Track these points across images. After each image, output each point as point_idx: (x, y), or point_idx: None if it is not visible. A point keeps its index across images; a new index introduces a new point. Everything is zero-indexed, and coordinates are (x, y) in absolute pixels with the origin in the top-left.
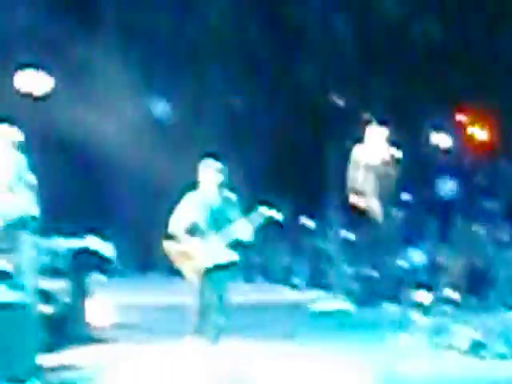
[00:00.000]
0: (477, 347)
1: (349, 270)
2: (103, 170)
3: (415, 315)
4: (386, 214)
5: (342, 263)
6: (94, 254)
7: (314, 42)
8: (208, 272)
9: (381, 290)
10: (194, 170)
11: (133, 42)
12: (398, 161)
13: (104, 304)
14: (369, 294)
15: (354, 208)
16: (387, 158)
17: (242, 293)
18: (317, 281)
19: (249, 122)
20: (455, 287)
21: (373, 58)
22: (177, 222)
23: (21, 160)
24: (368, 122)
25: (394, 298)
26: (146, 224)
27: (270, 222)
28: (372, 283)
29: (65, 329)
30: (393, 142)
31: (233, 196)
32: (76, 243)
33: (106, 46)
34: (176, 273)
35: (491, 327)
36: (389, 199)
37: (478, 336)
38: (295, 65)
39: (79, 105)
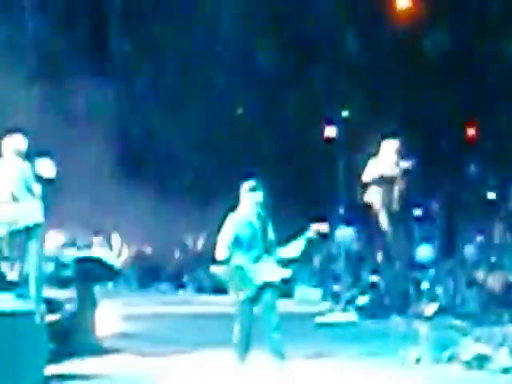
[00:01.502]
0: (482, 360)
1: (356, 282)
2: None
3: (423, 328)
4: (395, 226)
5: (349, 275)
6: (101, 263)
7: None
8: (260, 290)
9: (388, 302)
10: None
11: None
12: (407, 172)
13: (111, 313)
14: (376, 307)
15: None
16: (397, 170)
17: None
18: (324, 293)
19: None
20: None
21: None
22: (221, 245)
23: (26, 168)
24: (383, 137)
25: (402, 311)
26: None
27: (318, 235)
28: (380, 296)
29: (72, 338)
30: (403, 155)
31: (266, 214)
32: (83, 253)
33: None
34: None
35: (498, 340)
36: (399, 211)
37: (484, 349)
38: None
39: None
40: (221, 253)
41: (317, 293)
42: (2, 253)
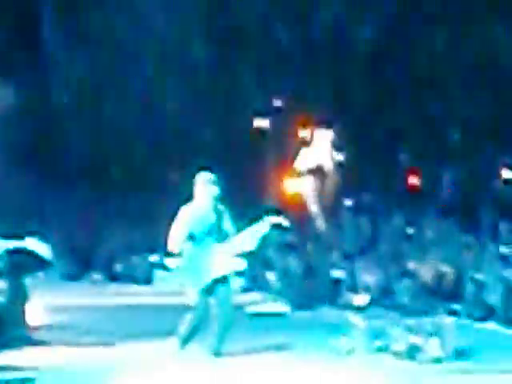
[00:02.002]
0: (413, 351)
1: (286, 272)
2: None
3: (354, 318)
4: (326, 217)
5: (280, 266)
6: (32, 254)
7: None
8: (213, 283)
9: (318, 292)
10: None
11: None
12: (341, 164)
13: (42, 305)
14: (306, 297)
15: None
16: (330, 161)
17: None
18: (255, 284)
19: None
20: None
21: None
22: (174, 238)
23: None
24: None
25: (332, 301)
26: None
27: (276, 227)
28: (310, 286)
29: (2, 330)
30: (338, 146)
31: (222, 207)
32: (13, 244)
33: None
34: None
35: (429, 331)
36: (331, 202)
37: (415, 340)
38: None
39: None
40: (173, 245)
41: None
42: None
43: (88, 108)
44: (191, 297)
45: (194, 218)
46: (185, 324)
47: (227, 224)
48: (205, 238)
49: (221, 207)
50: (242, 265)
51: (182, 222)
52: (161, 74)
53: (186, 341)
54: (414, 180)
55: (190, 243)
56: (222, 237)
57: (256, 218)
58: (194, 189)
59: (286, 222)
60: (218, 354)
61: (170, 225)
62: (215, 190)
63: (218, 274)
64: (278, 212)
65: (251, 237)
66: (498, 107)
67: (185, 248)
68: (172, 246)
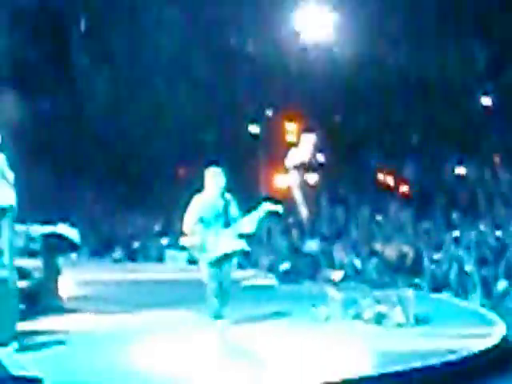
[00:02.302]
0: (380, 318)
1: (275, 252)
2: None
3: (331, 291)
4: (308, 206)
5: (269, 247)
6: (63, 237)
7: None
8: (219, 260)
9: (301, 269)
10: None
11: None
12: (321, 164)
13: (72, 280)
14: (291, 273)
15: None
16: (313, 161)
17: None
18: (249, 261)
19: None
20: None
21: None
22: (188, 221)
23: (1, 160)
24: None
25: (313, 277)
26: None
27: (272, 213)
28: (294, 264)
29: (39, 300)
30: (318, 148)
31: (229, 195)
32: (48, 229)
33: None
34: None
35: (393, 301)
36: (312, 193)
37: (382, 309)
38: None
39: None
40: (187, 227)
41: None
42: None
43: (110, 115)
44: (202, 271)
45: (205, 205)
46: (210, 296)
47: (233, 210)
48: (213, 222)
49: (227, 195)
50: (244, 245)
51: (194, 208)
52: (171, 87)
53: (220, 308)
54: (380, 176)
55: (201, 226)
56: (228, 221)
57: (253, 206)
58: (203, 181)
59: (280, 209)
60: (219, 317)
61: (179, 213)
62: (222, 182)
63: (224, 251)
64: (273, 201)
65: (251, 221)
66: (449, 116)
67: (196, 229)
68: (186, 227)
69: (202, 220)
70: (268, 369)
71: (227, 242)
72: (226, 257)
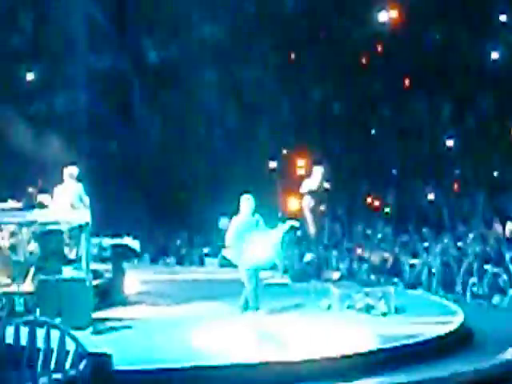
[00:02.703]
0: (368, 308)
1: (289, 258)
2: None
3: (331, 287)
4: (317, 222)
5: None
6: (128, 247)
7: None
8: (253, 266)
9: (309, 271)
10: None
11: None
12: (327, 190)
13: (135, 279)
14: (301, 274)
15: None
16: (322, 187)
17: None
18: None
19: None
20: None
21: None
22: (228, 237)
23: (79, 187)
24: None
25: (318, 276)
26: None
27: (293, 228)
28: (303, 267)
29: (109, 295)
30: (327, 178)
31: (258, 215)
32: (116, 241)
33: None
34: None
35: (379, 295)
36: (319, 213)
37: (370, 301)
38: None
39: None
40: (228, 241)
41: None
42: (64, 242)
43: (163, 153)
44: (241, 274)
45: (241, 223)
46: (248, 295)
47: (262, 226)
48: (248, 236)
49: (256, 215)
50: (274, 257)
51: (233, 226)
52: (209, 132)
53: (255, 305)
54: (369, 200)
55: (239, 240)
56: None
57: (276, 224)
58: (239, 205)
59: (297, 224)
60: (256, 308)
61: (215, 228)
62: (252, 205)
63: (258, 262)
64: (293, 219)
65: (278, 233)
66: (421, 155)
67: (235, 243)
68: (227, 241)
69: (239, 235)
70: (289, 344)
71: (260, 252)
72: (260, 265)
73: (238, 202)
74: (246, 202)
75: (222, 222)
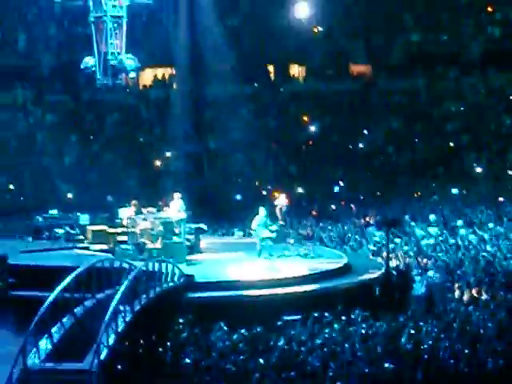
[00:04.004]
0: (306, 255)
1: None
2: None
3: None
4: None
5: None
6: (201, 228)
7: None
8: (263, 238)
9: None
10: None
11: None
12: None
13: (204, 242)
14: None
15: None
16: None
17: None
18: None
19: None
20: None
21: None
22: (253, 224)
23: (181, 202)
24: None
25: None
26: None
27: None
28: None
29: (195, 250)
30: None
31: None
32: (195, 226)
33: None
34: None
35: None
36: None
37: (306, 251)
38: None
39: None
40: (253, 226)
41: None
42: (174, 226)
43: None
44: (257, 241)
45: (259, 219)
46: (263, 249)
47: (268, 222)
48: (262, 225)
49: (267, 216)
50: (272, 234)
51: (255, 220)
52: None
53: (270, 253)
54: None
55: (258, 226)
56: (267, 225)
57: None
58: (258, 210)
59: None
60: (269, 257)
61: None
62: (264, 212)
63: (265, 235)
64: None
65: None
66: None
67: (256, 227)
68: (252, 226)
69: (258, 224)
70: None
71: (267, 232)
72: (266, 238)
73: (258, 209)
74: (262, 210)
75: (255, 219)
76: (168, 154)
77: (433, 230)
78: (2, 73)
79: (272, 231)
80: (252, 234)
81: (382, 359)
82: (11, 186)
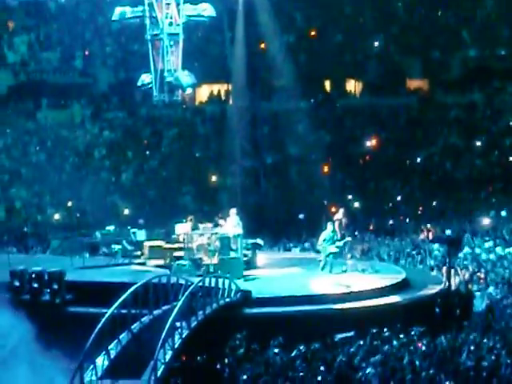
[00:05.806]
0: (364, 270)
1: None
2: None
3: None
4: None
5: None
6: (257, 243)
7: None
8: (330, 254)
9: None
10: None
11: None
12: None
13: (261, 258)
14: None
15: None
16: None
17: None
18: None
19: None
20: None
21: None
22: (320, 240)
23: (237, 218)
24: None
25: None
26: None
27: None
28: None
29: (249, 264)
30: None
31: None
32: (251, 241)
33: None
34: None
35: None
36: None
37: (364, 266)
38: None
39: None
40: (320, 242)
41: None
42: (230, 241)
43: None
44: (323, 256)
45: (325, 234)
46: (327, 264)
47: (335, 238)
48: (328, 241)
49: (334, 232)
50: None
51: (322, 235)
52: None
53: (331, 269)
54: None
55: (324, 242)
56: (333, 241)
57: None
58: (326, 225)
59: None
60: (331, 271)
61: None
62: (331, 227)
63: (331, 251)
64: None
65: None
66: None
67: (322, 243)
68: (319, 242)
69: (324, 240)
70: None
71: (333, 248)
72: (332, 253)
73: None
74: (330, 225)
75: (322, 234)
76: (224, 170)
77: (492, 246)
78: (60, 91)
79: (338, 247)
80: (319, 249)
81: (443, 376)
82: (69, 203)
